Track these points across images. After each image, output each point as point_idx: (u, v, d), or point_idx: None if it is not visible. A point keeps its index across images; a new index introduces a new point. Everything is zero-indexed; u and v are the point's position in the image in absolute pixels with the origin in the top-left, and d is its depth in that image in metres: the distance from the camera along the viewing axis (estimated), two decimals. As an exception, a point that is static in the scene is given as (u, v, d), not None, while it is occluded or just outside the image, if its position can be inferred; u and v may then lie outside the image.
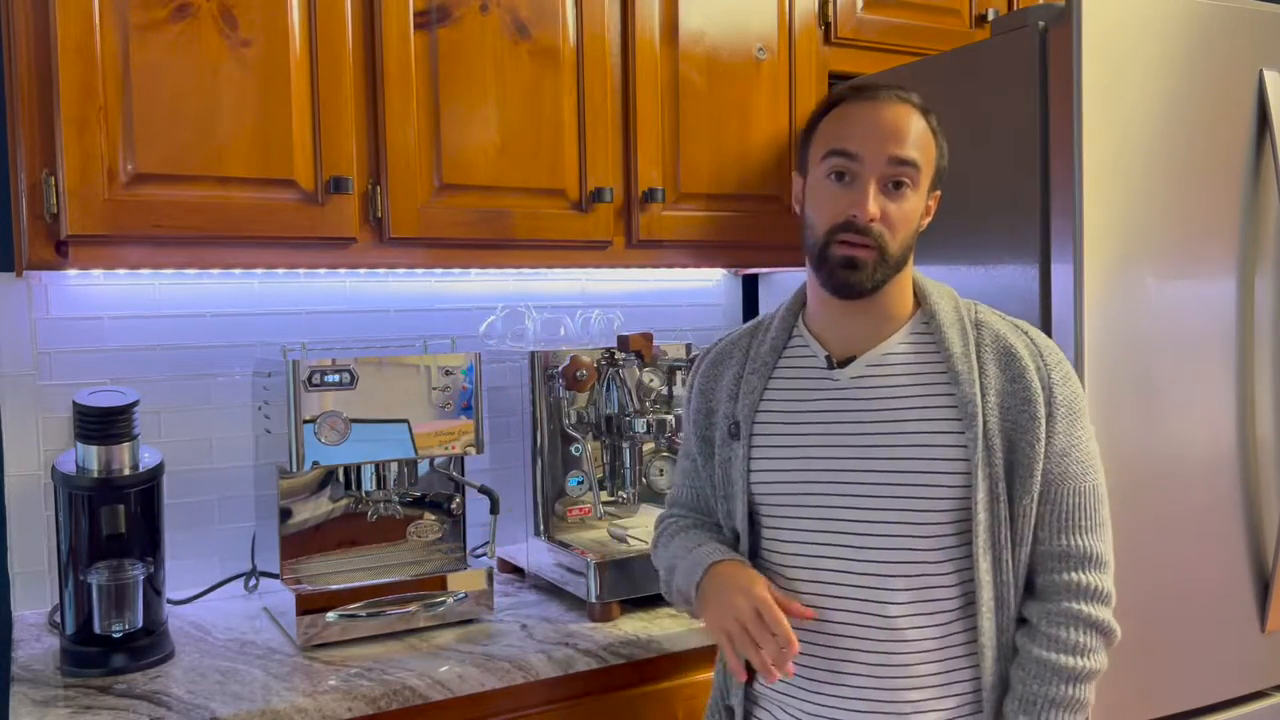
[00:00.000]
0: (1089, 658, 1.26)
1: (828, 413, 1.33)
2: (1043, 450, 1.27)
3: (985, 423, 1.26)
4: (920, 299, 1.36)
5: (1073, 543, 1.28)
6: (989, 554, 1.27)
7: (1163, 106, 1.75)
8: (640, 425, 1.91)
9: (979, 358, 1.29)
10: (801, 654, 1.28)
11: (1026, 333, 1.33)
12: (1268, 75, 1.83)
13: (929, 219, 1.35)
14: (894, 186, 1.27)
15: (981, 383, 1.28)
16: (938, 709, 1.28)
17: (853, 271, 1.27)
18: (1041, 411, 1.27)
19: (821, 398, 1.34)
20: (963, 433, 1.26)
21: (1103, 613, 1.28)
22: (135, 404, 1.66)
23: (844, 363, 1.34)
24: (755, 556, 1.38)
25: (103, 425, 1.62)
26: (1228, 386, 1.83)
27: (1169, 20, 1.75)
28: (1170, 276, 1.77)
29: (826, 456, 1.31)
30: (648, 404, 1.99)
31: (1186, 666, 1.81)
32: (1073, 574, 1.28)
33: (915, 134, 1.28)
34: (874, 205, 1.25)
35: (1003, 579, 1.28)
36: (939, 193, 1.36)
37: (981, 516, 1.26)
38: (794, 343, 1.40)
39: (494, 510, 1.85)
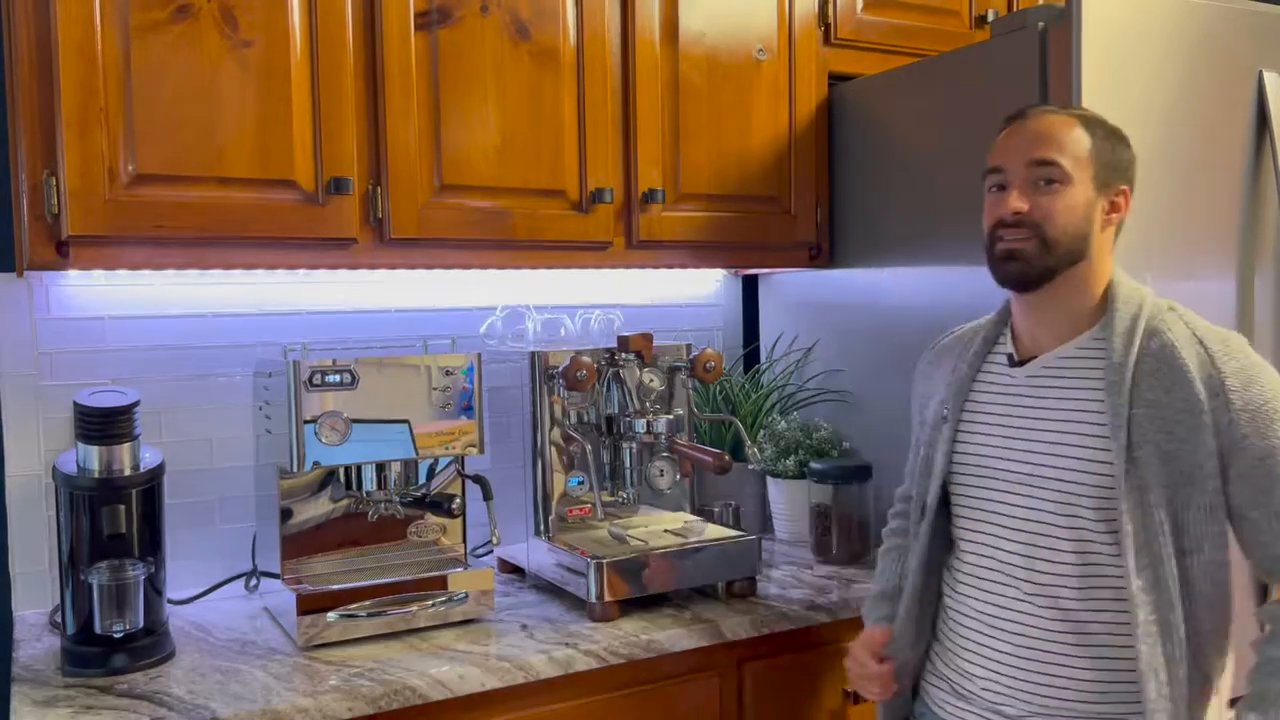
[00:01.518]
0: None
1: (1006, 408, 1.43)
2: (1216, 460, 1.26)
3: (1132, 433, 1.27)
4: (1108, 302, 1.38)
5: None
6: (1146, 571, 1.26)
7: (1163, 106, 1.75)
8: (640, 425, 1.91)
9: (1139, 367, 1.30)
10: (972, 619, 1.42)
11: (1203, 341, 1.31)
12: (1268, 76, 1.83)
13: (1119, 214, 1.39)
14: (1045, 184, 1.34)
15: (1133, 393, 1.29)
16: (1068, 689, 1.33)
17: (1013, 263, 1.36)
18: (1208, 419, 1.26)
19: (1004, 394, 1.44)
20: (1108, 437, 1.29)
21: None
22: (136, 404, 1.66)
23: (1024, 362, 1.42)
24: (954, 531, 1.48)
25: (103, 425, 1.62)
26: (1228, 386, 1.83)
27: (1169, 20, 1.75)
28: (1170, 276, 1.77)
29: (998, 452, 1.42)
30: (648, 404, 1.99)
31: (1187, 666, 1.80)
32: None
33: (1058, 136, 1.35)
34: (1016, 201, 1.35)
35: (1165, 599, 1.26)
36: (1125, 188, 1.39)
37: (1129, 528, 1.26)
38: (1001, 338, 1.49)
39: (486, 496, 1.85)
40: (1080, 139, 1.35)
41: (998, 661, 1.38)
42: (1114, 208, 1.38)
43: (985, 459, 1.43)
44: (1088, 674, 1.32)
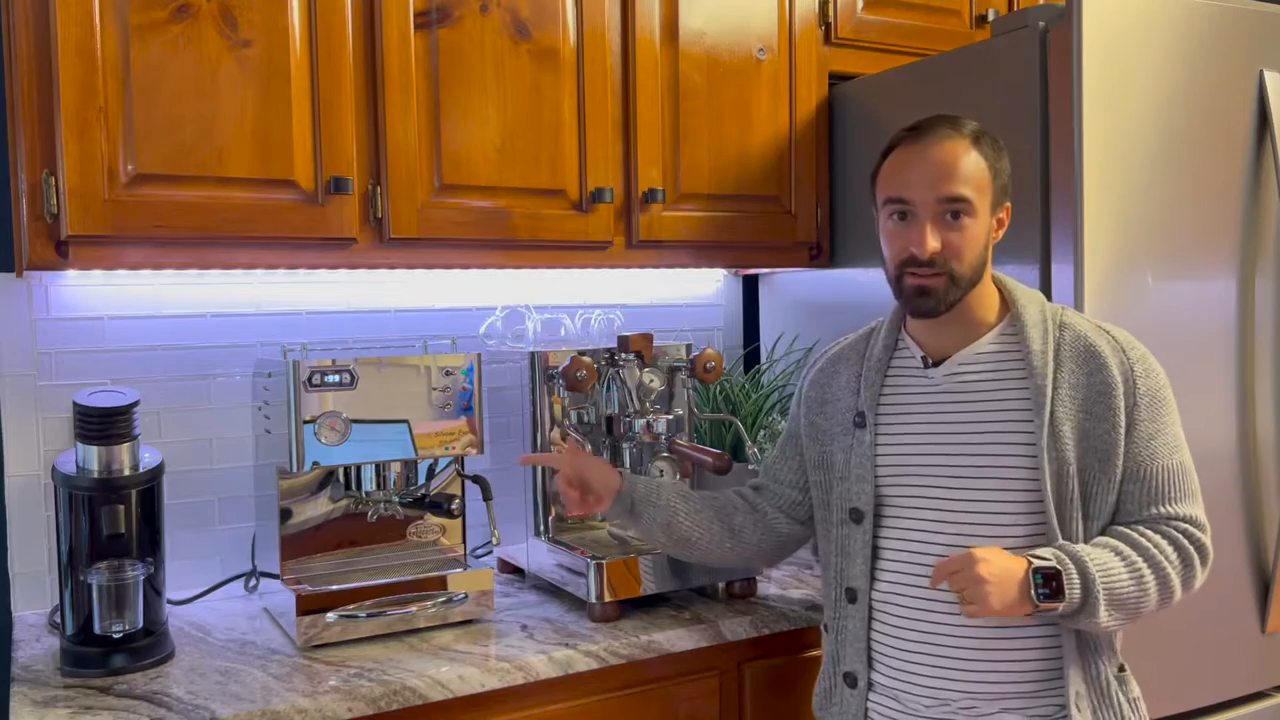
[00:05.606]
0: (1173, 566, 1.36)
1: (928, 405, 1.47)
2: (1123, 435, 1.38)
3: (1054, 411, 1.37)
4: (1009, 303, 1.47)
5: (1163, 510, 1.39)
6: (1060, 529, 1.38)
7: (1163, 106, 1.75)
8: (640, 425, 1.91)
9: (1058, 354, 1.41)
10: (904, 617, 1.44)
11: (1109, 331, 1.43)
12: (1268, 75, 1.83)
13: (1002, 231, 1.46)
14: (952, 217, 1.39)
15: (1056, 376, 1.39)
16: (1007, 670, 1.40)
17: (925, 299, 1.41)
18: (1121, 401, 1.38)
19: (923, 393, 1.48)
20: (1033, 420, 1.38)
21: (1194, 546, 1.38)
22: (135, 404, 1.66)
23: (938, 363, 1.48)
24: (877, 534, 1.49)
25: (103, 425, 1.62)
26: (1228, 387, 1.83)
27: (1169, 20, 1.75)
28: (1170, 277, 1.77)
29: (929, 445, 1.45)
30: (648, 404, 1.99)
31: (1187, 667, 1.81)
32: (1171, 522, 1.39)
33: (965, 168, 1.39)
34: (932, 241, 1.38)
35: None
36: (1009, 204, 1.46)
37: (1050, 498, 1.37)
38: (900, 345, 1.54)
39: (486, 497, 1.85)
40: (978, 164, 1.39)
41: (942, 657, 1.41)
42: (1000, 225, 1.45)
43: (911, 459, 1.46)
44: (1027, 651, 1.39)
